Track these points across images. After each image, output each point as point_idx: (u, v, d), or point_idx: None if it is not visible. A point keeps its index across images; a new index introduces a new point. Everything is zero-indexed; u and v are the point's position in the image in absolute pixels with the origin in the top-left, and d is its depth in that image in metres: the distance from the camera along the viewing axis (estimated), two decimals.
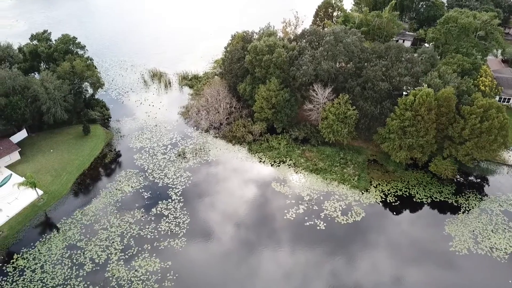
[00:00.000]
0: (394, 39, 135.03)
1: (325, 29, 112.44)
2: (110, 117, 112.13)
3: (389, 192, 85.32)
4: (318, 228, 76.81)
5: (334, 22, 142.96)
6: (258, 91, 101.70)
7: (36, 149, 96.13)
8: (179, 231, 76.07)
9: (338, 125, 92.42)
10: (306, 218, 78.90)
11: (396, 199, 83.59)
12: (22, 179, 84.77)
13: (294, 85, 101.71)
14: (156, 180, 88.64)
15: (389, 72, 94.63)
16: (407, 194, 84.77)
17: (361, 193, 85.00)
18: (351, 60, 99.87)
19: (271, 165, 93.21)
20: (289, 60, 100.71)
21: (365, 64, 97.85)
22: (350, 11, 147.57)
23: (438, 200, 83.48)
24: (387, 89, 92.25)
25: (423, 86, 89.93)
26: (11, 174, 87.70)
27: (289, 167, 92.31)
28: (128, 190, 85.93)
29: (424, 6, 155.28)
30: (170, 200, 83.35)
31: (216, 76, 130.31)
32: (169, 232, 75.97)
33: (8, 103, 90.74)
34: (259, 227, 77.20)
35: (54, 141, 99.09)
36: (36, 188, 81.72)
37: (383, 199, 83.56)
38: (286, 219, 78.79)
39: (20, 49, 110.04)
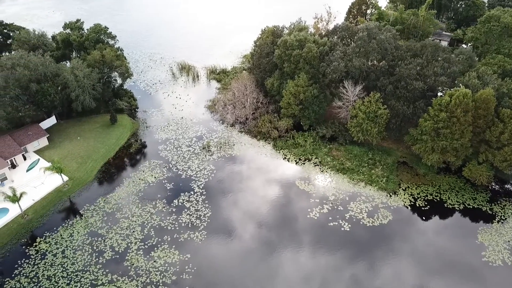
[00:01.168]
0: (430, 38, 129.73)
1: (358, 25, 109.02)
2: (137, 108, 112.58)
3: (418, 196, 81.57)
4: (342, 229, 74.11)
5: (368, 19, 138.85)
6: (286, 87, 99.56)
7: (64, 135, 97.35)
8: (200, 224, 75.01)
9: (368, 124, 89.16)
10: (330, 218, 76.31)
11: (426, 203, 79.78)
12: (48, 164, 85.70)
13: (324, 81, 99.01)
14: (179, 172, 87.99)
15: (424, 71, 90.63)
16: (438, 199, 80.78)
17: (389, 195, 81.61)
18: (384, 57, 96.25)
19: (296, 163, 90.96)
20: (319, 56, 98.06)
21: (399, 62, 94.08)
22: (384, 9, 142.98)
23: (471, 207, 79.13)
24: (421, 89, 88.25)
25: (459, 86, 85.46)
26: (39, 159, 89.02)
27: (315, 166, 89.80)
28: (151, 181, 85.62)
29: (463, 5, 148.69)
30: (192, 192, 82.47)
31: (244, 71, 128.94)
32: (189, 224, 75.05)
33: (39, 90, 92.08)
34: (280, 225, 75.20)
35: (81, 128, 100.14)
36: (62, 174, 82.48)
37: (412, 203, 79.92)
38: (309, 218, 76.45)
39: (53, 37, 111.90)
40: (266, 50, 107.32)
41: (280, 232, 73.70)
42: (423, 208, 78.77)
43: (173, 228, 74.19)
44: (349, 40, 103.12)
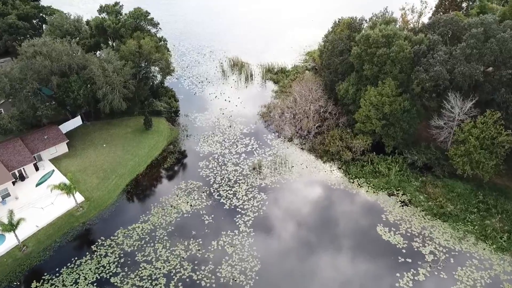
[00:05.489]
0: None
1: (469, 18, 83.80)
2: (179, 111, 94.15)
3: None
4: None
5: (464, 13, 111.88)
6: (365, 95, 76.91)
7: (88, 141, 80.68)
8: (245, 282, 54.63)
9: (481, 154, 64.57)
10: None
11: None
12: (63, 179, 69.20)
13: (414, 90, 75.33)
14: (222, 200, 68.23)
15: None
16: None
17: None
18: (505, 63, 70.86)
19: (376, 199, 68.18)
20: (413, 57, 74.45)
21: None
22: (487, 1, 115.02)
23: None
24: None
25: None
26: (53, 171, 72.62)
27: (402, 205, 66.63)
28: (186, 210, 66.47)
29: None
30: (237, 231, 62.34)
31: (307, 71, 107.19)
32: (231, 281, 54.88)
33: (61, 84, 75.77)
34: None
35: (109, 133, 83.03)
36: (75, 194, 65.17)
37: None
38: None
39: (87, 22, 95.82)
40: (340, 46, 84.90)
41: None
42: None
43: (208, 285, 54.36)
44: (451, 37, 78.50)
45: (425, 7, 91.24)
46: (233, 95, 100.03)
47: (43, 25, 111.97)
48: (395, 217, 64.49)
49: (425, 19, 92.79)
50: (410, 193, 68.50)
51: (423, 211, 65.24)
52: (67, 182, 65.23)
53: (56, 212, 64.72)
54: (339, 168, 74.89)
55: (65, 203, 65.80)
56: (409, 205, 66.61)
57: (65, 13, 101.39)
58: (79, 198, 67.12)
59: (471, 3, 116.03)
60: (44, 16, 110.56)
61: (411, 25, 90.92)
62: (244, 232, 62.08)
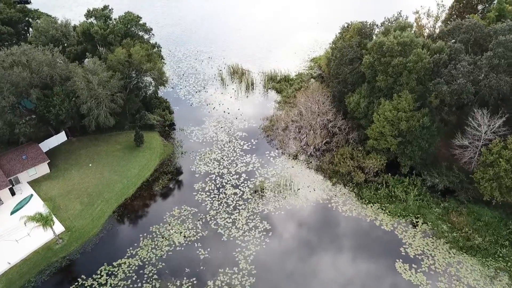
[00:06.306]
0: None
1: (495, 24, 76.23)
2: (174, 124, 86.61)
3: None
4: None
5: (480, 16, 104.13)
6: (379, 109, 69.33)
7: (72, 160, 73.17)
8: None
9: None
10: None
11: None
12: (42, 205, 61.70)
13: (432, 103, 67.78)
14: (219, 230, 60.69)
15: None
16: None
17: None
18: None
19: (393, 228, 60.60)
20: (433, 68, 66.93)
21: None
22: (506, 4, 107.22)
23: None
24: None
25: None
26: (32, 195, 65.13)
27: (423, 236, 59.03)
28: (179, 242, 58.94)
29: None
30: (236, 269, 54.85)
31: (312, 79, 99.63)
32: None
33: (41, 98, 68.38)
34: None
35: (96, 151, 75.49)
36: (53, 225, 57.60)
37: None
38: None
39: (74, 28, 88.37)
40: (350, 54, 77.24)
41: None
42: None
43: None
44: (473, 45, 71.00)
45: (442, 10, 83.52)
46: (233, 106, 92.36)
47: (30, 30, 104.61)
48: (416, 250, 56.90)
49: (439, 23, 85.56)
50: (431, 221, 60.90)
51: (447, 243, 57.67)
52: (46, 210, 57.83)
53: (32, 245, 57.37)
54: (351, 192, 67.30)
55: (43, 235, 58.25)
56: (430, 235, 58.98)
57: (52, 18, 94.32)
58: (59, 228, 59.72)
59: (487, 5, 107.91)
60: (30, 20, 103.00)
61: (427, 31, 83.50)
62: (244, 270, 54.56)
